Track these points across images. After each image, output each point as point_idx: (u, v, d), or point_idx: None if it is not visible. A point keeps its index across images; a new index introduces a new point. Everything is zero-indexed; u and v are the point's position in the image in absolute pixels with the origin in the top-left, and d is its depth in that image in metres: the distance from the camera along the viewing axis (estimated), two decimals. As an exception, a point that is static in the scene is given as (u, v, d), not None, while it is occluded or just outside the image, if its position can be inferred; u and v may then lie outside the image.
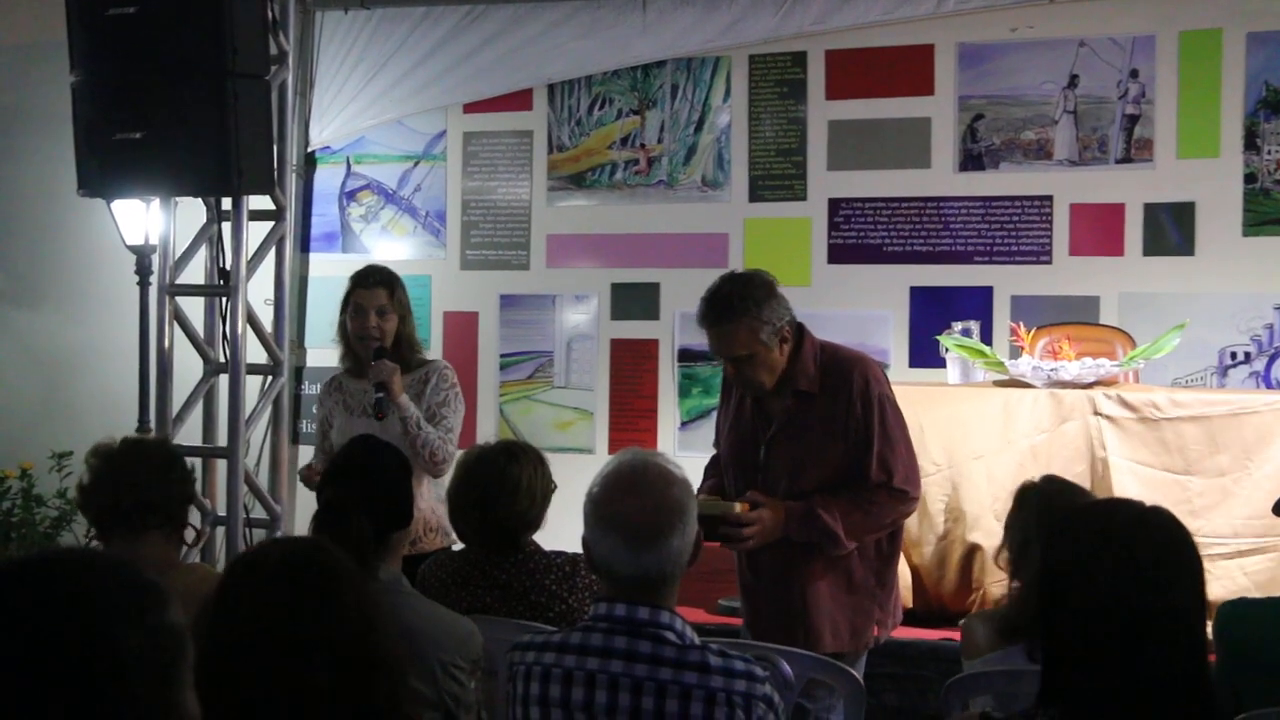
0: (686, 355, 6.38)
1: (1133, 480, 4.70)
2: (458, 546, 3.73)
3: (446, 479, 3.75)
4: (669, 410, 6.41)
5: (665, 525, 2.49)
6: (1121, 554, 2.07)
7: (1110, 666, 2.04)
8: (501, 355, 6.65)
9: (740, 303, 3.66)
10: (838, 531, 3.67)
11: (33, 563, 1.39)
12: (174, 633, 1.39)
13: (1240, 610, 2.94)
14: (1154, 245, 5.83)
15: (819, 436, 3.73)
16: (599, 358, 6.53)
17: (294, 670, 1.95)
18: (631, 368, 6.49)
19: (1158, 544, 2.08)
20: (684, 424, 6.37)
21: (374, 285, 4.45)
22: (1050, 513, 3.04)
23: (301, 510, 5.78)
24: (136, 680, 1.33)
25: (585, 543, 2.55)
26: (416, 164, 6.78)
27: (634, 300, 6.48)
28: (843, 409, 3.72)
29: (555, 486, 3.51)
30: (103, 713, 1.31)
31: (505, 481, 3.40)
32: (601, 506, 2.52)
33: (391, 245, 6.76)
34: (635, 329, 6.49)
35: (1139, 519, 2.14)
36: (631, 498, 2.50)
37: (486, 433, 6.27)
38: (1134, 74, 5.85)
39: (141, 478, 3.06)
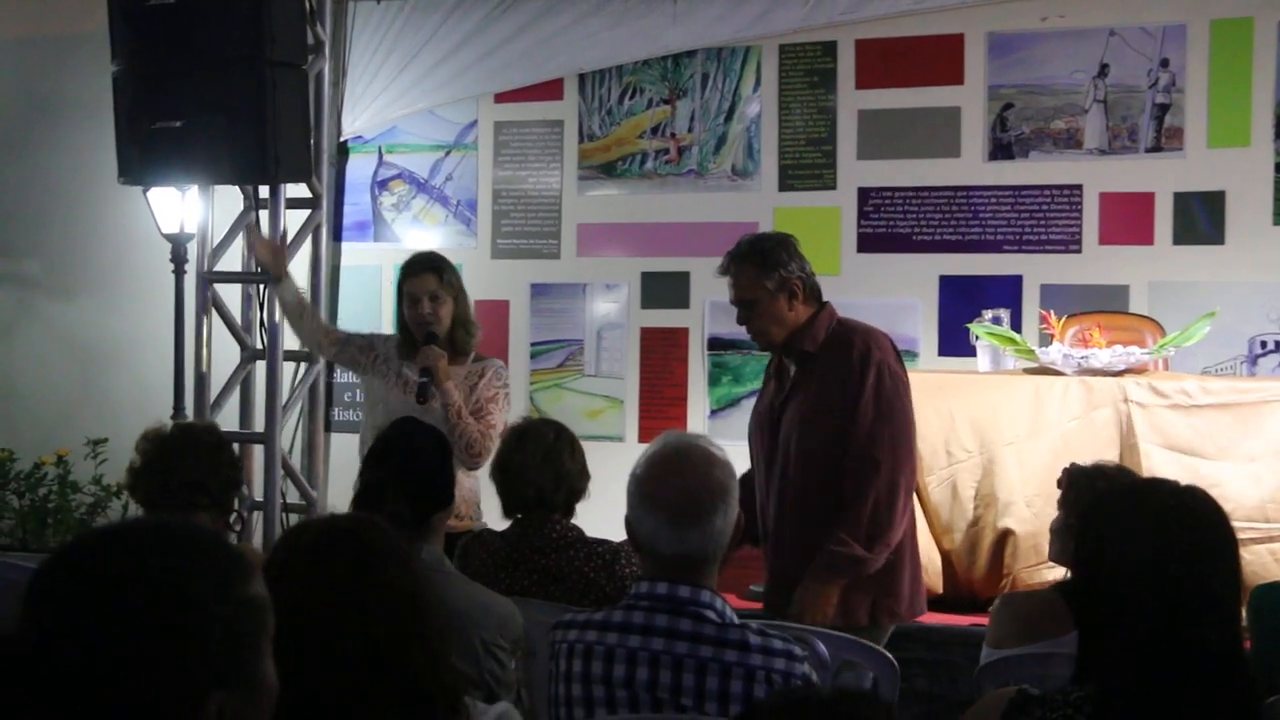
0: (716, 344, 6.41)
1: (1163, 467, 4.72)
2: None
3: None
4: (699, 398, 6.45)
5: (708, 505, 2.54)
6: (1158, 532, 2.09)
7: (1146, 644, 2.06)
8: (532, 344, 6.69)
9: (748, 248, 3.90)
10: (858, 554, 3.72)
11: (126, 530, 1.43)
12: (258, 604, 1.42)
13: (1276, 592, 2.96)
14: (1184, 234, 5.84)
15: (816, 397, 3.82)
16: (629, 346, 6.57)
17: (332, 642, 1.97)
18: (661, 356, 6.53)
19: (1193, 522, 2.10)
20: (714, 412, 6.41)
21: (421, 271, 4.51)
22: (1089, 494, 3.08)
23: (334, 496, 5.84)
24: (224, 649, 1.37)
25: (628, 522, 2.60)
26: (448, 153, 6.83)
27: (664, 289, 6.52)
28: (840, 373, 3.81)
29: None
30: (191, 680, 1.35)
31: (558, 449, 3.50)
32: (645, 486, 2.57)
33: (423, 234, 6.81)
34: (665, 317, 6.52)
35: (1175, 497, 2.16)
36: (675, 478, 2.55)
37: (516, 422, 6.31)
38: (1164, 63, 5.86)
39: (191, 460, 3.12)
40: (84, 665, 1.32)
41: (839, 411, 3.78)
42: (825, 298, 3.97)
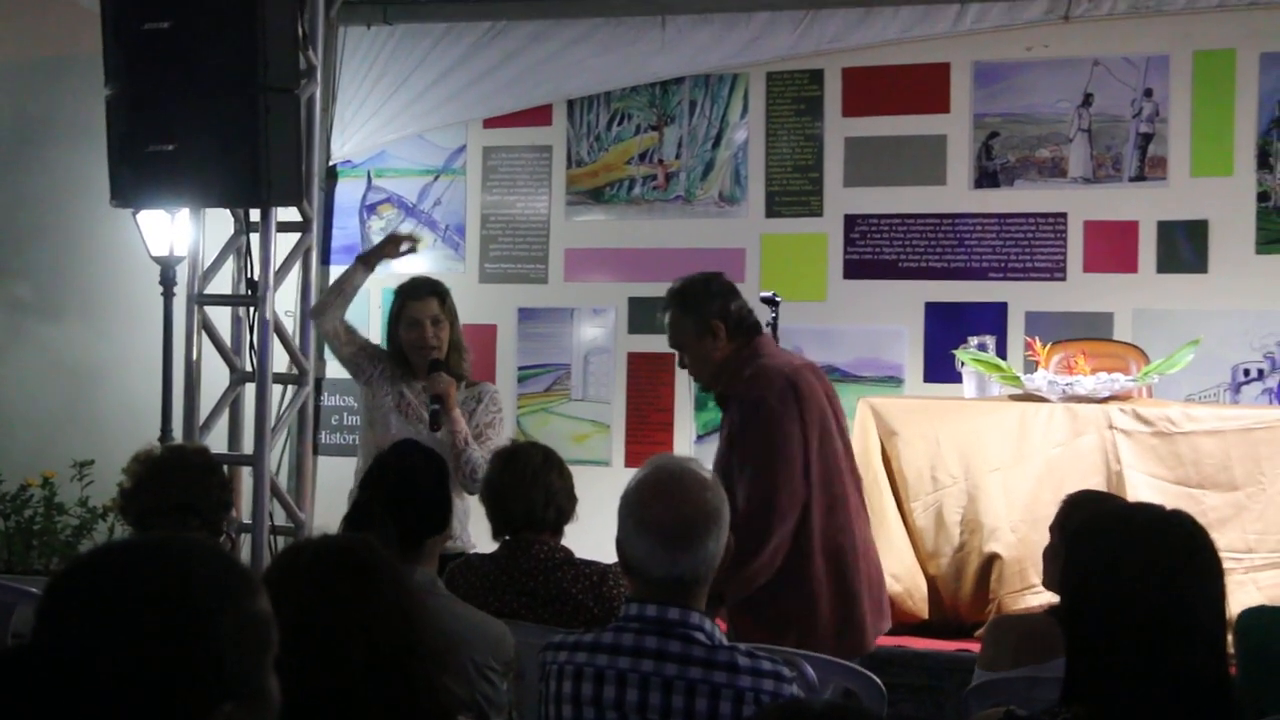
0: (703, 368, 6.43)
1: (1148, 494, 4.75)
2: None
3: None
4: (685, 423, 6.47)
5: (700, 529, 2.55)
6: (1143, 555, 2.12)
7: (1132, 666, 2.09)
8: (519, 368, 6.71)
9: (672, 293, 3.99)
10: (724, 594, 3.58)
11: (137, 545, 1.45)
12: (264, 619, 1.45)
13: (1261, 617, 2.99)
14: (1168, 262, 5.89)
15: (724, 443, 3.92)
16: (616, 371, 6.59)
17: (328, 660, 1.98)
18: (648, 381, 6.55)
19: (1178, 546, 2.13)
20: (700, 437, 6.43)
21: (426, 295, 4.55)
22: (1081, 519, 3.11)
23: (321, 518, 5.84)
24: (233, 661, 1.39)
25: (619, 544, 2.61)
26: (436, 178, 6.85)
27: (651, 314, 6.49)
28: (732, 422, 3.89)
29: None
30: (202, 692, 1.37)
31: (546, 470, 3.55)
32: (637, 509, 2.58)
33: (411, 259, 6.74)
34: (652, 342, 6.50)
35: (1160, 522, 2.19)
36: (668, 501, 2.57)
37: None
38: (1148, 93, 5.92)
39: (182, 481, 3.14)
40: (97, 677, 1.33)
41: (727, 460, 3.85)
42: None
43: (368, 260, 4.79)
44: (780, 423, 3.80)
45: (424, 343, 4.49)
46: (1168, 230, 5.89)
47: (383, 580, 2.10)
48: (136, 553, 1.43)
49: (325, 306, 4.79)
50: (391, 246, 4.79)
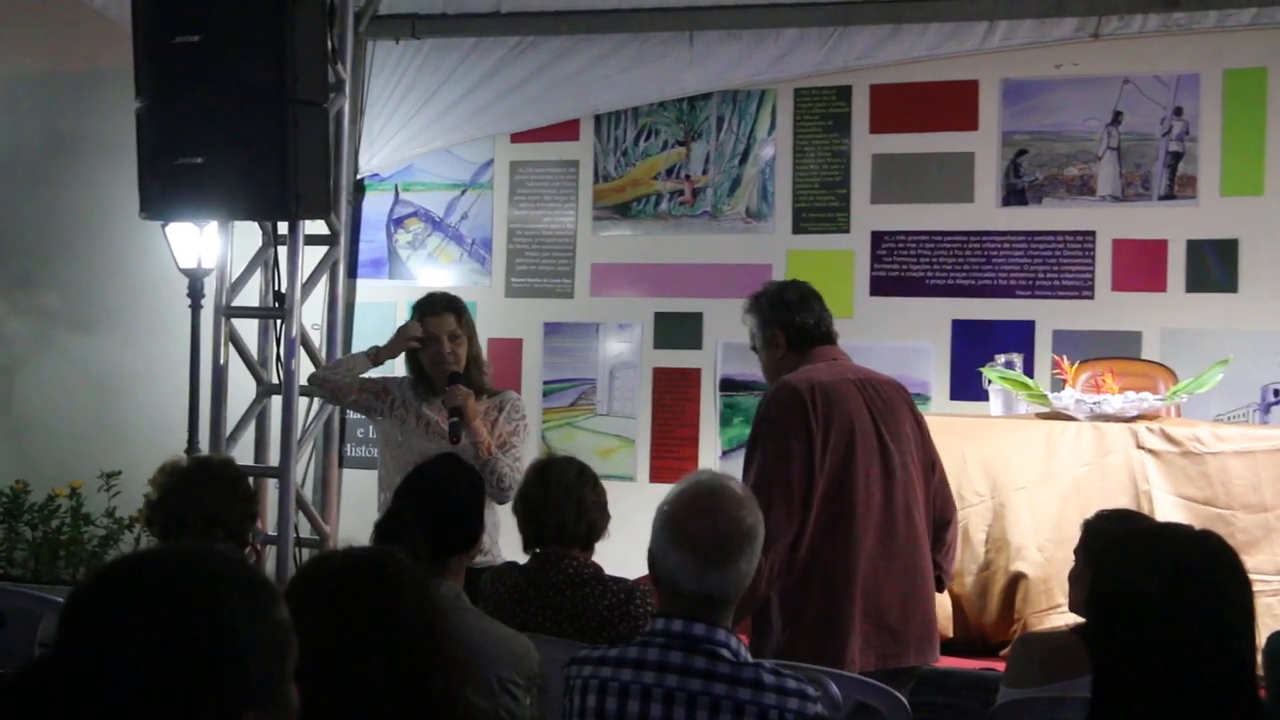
0: (729, 385, 6.43)
1: (1176, 514, 4.72)
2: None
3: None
4: (710, 439, 6.46)
5: (735, 548, 2.55)
6: (1171, 576, 2.10)
7: (1161, 688, 2.07)
8: (545, 382, 6.72)
9: (748, 300, 4.11)
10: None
11: (157, 555, 1.46)
12: (283, 627, 1.45)
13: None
14: (1197, 282, 5.86)
15: None
16: (641, 386, 6.59)
17: (349, 672, 1.98)
18: (674, 396, 6.55)
19: (1207, 565, 2.12)
20: (725, 453, 6.42)
21: (442, 311, 4.54)
22: (1108, 538, 3.09)
23: (346, 531, 5.84)
24: (253, 670, 1.40)
25: (651, 554, 2.61)
26: (464, 192, 6.88)
27: (677, 329, 6.55)
28: None
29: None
30: (225, 700, 1.38)
31: (579, 484, 3.56)
32: (673, 522, 2.58)
33: (437, 272, 6.85)
34: (678, 358, 6.55)
35: (1190, 542, 2.18)
36: (705, 517, 2.56)
37: (528, 459, 6.33)
38: (1178, 111, 5.90)
39: (209, 492, 3.15)
40: (121, 688, 1.34)
41: None
42: (837, 341, 4.02)
43: (377, 357, 4.68)
44: (778, 436, 3.78)
45: (442, 358, 4.49)
46: (1197, 249, 5.86)
47: (406, 593, 2.10)
48: (158, 563, 1.43)
49: (323, 381, 4.76)
50: (402, 342, 4.66)
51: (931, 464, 4.07)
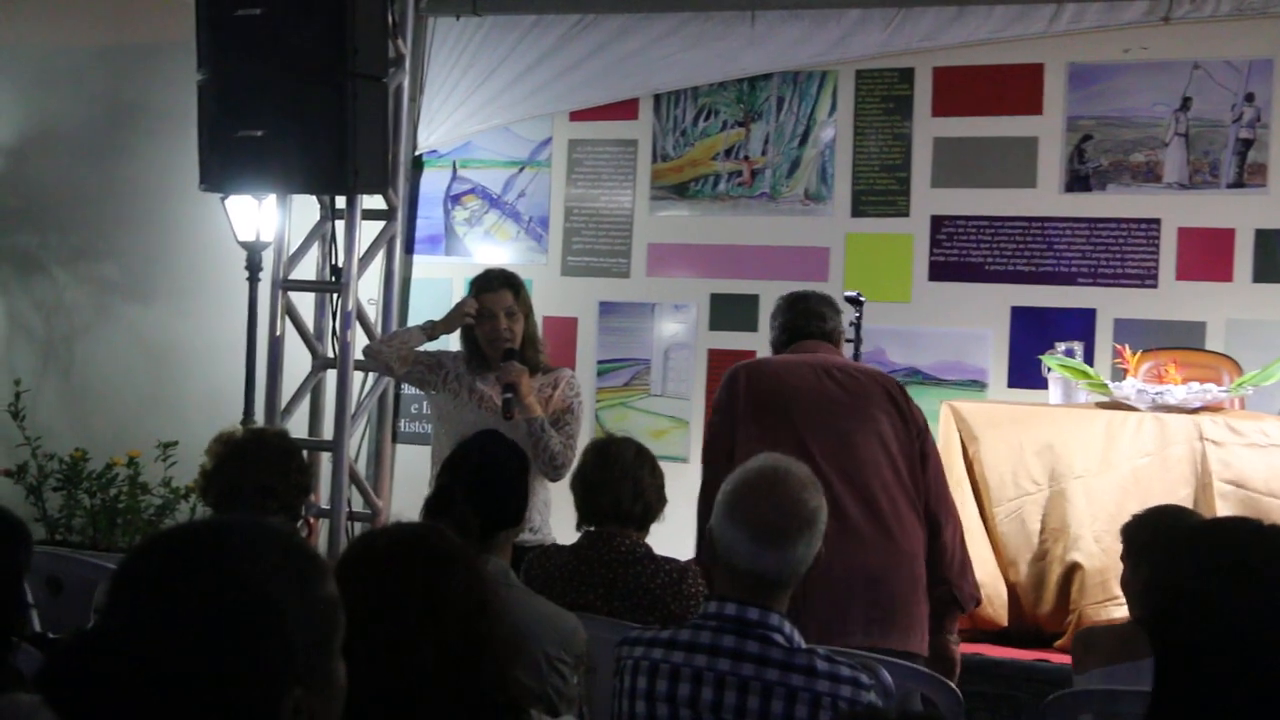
0: (784, 367, 6.38)
1: (1239, 507, 4.64)
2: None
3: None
4: (764, 422, 6.42)
5: (793, 530, 2.53)
6: (1240, 574, 2.04)
7: (1226, 685, 2.02)
8: (599, 361, 6.70)
9: None
10: None
11: (206, 527, 1.45)
12: (331, 602, 1.43)
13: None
14: (1265, 272, 5.75)
15: None
16: (696, 367, 6.56)
17: (398, 648, 1.97)
18: (728, 378, 6.50)
19: (1272, 561, 2.06)
20: (779, 436, 6.37)
21: (499, 288, 4.52)
22: (1165, 534, 3.04)
23: (399, 506, 5.86)
24: (298, 645, 1.38)
25: (711, 530, 2.60)
26: (521, 170, 6.86)
27: (733, 311, 6.51)
28: None
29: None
30: (274, 675, 1.37)
31: (638, 465, 3.58)
32: (734, 499, 2.57)
33: (494, 250, 6.84)
34: (733, 340, 6.51)
35: (1258, 536, 2.12)
36: (767, 496, 2.56)
37: (582, 439, 6.32)
38: (1249, 98, 5.78)
39: (263, 464, 3.15)
40: (167, 658, 1.33)
41: None
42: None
43: (432, 331, 4.65)
44: (712, 414, 4.09)
45: (498, 335, 4.47)
46: (1266, 239, 5.75)
47: (455, 569, 2.09)
48: (205, 535, 1.42)
49: (377, 353, 4.69)
50: (459, 317, 4.63)
51: (923, 455, 3.94)
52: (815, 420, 3.86)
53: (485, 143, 6.88)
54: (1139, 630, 3.13)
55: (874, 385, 3.97)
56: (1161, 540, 3.07)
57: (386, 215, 5.59)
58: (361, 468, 5.98)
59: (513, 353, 4.43)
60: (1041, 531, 4.98)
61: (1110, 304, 5.94)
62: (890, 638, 3.76)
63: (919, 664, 3.60)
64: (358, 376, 5.48)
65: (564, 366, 4.76)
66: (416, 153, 6.84)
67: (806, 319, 4.14)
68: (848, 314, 5.06)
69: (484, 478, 3.14)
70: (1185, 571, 2.09)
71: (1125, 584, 3.47)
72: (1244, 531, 2.14)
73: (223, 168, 4.97)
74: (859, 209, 6.34)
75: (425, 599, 2.02)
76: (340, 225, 5.33)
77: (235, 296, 6.60)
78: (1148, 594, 2.21)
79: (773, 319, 4.27)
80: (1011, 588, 5.00)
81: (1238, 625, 2.01)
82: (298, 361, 5.62)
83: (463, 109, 6.78)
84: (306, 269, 5.65)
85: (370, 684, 1.95)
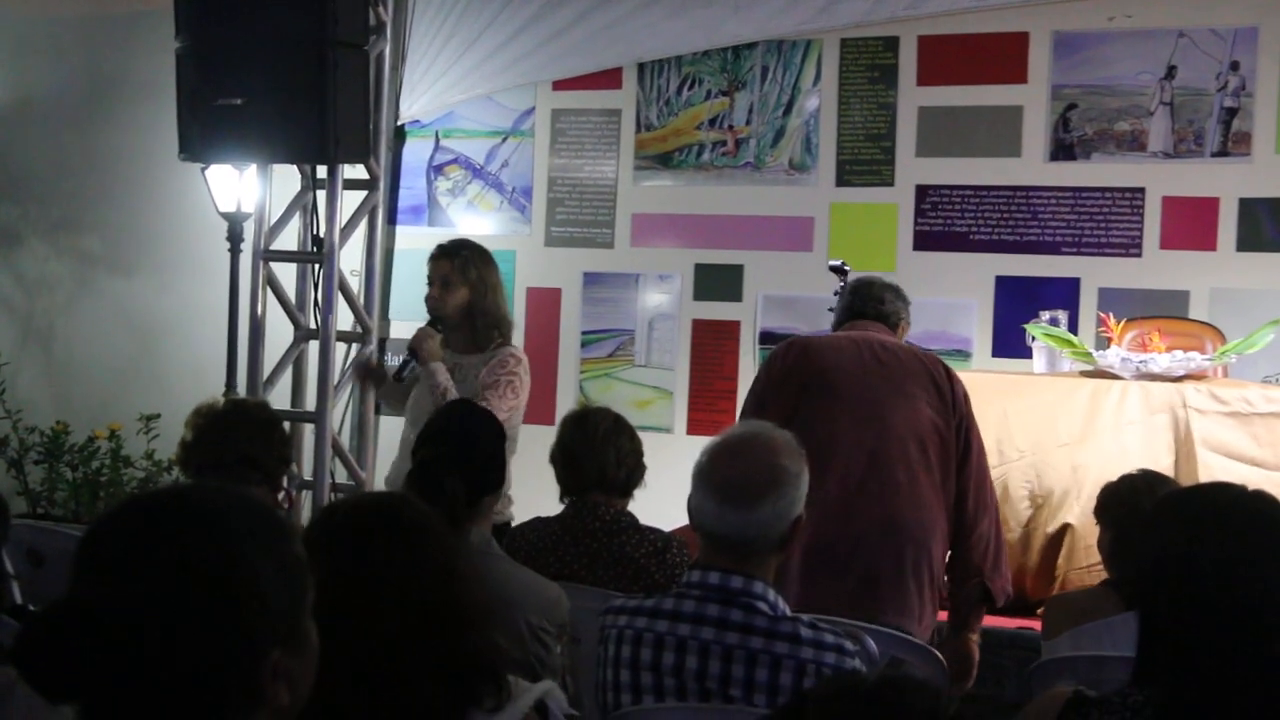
0: (768, 337, 6.37)
1: (1222, 475, 4.64)
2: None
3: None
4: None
5: (758, 489, 2.51)
6: (1224, 537, 2.04)
7: (1210, 652, 2.02)
8: (583, 332, 6.68)
9: None
10: None
11: (174, 493, 1.43)
12: (300, 563, 1.43)
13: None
14: (1248, 241, 5.75)
15: None
16: (680, 338, 6.54)
17: (365, 617, 1.95)
18: (713, 349, 6.50)
19: (1266, 525, 2.05)
20: (763, 406, 6.36)
21: (438, 256, 4.69)
22: (1142, 499, 3.06)
23: (382, 477, 5.84)
24: (273, 604, 1.37)
25: (689, 499, 2.60)
26: (504, 140, 6.83)
27: (717, 281, 6.49)
28: None
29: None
30: (245, 633, 1.36)
31: (616, 432, 3.58)
32: (705, 463, 2.58)
33: (477, 220, 6.81)
34: (717, 310, 6.49)
35: (1242, 503, 2.12)
36: (734, 459, 2.56)
37: (566, 409, 6.31)
38: (1234, 66, 5.77)
39: (244, 435, 3.13)
40: (141, 625, 1.32)
41: None
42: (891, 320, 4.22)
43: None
44: (752, 383, 4.05)
45: (429, 302, 4.63)
46: (1250, 208, 5.75)
47: (419, 537, 2.07)
48: (170, 501, 1.40)
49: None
50: (426, 340, 4.66)
51: (966, 446, 3.86)
52: (850, 392, 3.80)
53: (468, 112, 6.84)
54: (1106, 591, 3.15)
55: (916, 364, 3.91)
56: (1142, 505, 3.08)
57: (368, 185, 5.54)
58: (345, 440, 5.94)
59: (434, 320, 4.52)
60: (1027, 498, 4.98)
61: (1094, 273, 5.94)
62: (871, 612, 3.58)
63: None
64: (340, 348, 5.44)
65: (516, 346, 4.73)
66: (399, 123, 6.80)
67: (865, 301, 4.14)
68: (831, 283, 5.06)
69: (467, 448, 3.12)
70: (1169, 535, 2.09)
71: (1100, 546, 3.50)
72: (1232, 498, 2.14)
73: (202, 137, 4.92)
74: (843, 178, 6.32)
75: (387, 568, 2.00)
76: (322, 195, 5.28)
77: (217, 268, 6.57)
78: (1132, 558, 2.20)
79: (839, 302, 4.31)
80: (996, 556, 5.00)
81: (1220, 586, 2.01)
82: (280, 333, 5.59)
83: (445, 78, 6.74)
84: (288, 240, 5.61)
85: (337, 653, 1.94)
